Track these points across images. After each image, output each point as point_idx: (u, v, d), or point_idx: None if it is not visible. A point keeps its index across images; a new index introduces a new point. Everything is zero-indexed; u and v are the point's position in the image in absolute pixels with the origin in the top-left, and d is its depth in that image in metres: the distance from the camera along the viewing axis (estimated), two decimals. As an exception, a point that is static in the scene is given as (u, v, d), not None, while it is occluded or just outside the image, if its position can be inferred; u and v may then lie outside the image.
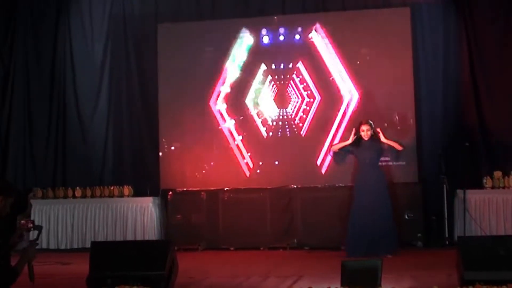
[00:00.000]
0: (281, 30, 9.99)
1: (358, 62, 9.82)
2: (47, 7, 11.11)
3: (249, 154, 10.01)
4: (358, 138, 8.47)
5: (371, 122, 8.49)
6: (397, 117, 9.58)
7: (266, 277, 6.79)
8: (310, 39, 9.90)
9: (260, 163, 9.96)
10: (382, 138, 8.40)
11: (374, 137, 8.44)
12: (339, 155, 8.85)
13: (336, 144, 8.96)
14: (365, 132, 8.37)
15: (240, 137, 10.04)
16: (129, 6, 10.89)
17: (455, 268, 5.71)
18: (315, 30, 9.89)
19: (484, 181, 9.23)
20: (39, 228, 5.19)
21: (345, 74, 9.80)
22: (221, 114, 10.14)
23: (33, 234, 5.26)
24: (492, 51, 9.75)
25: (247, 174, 9.99)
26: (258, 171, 9.98)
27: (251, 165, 9.98)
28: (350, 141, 8.49)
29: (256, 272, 7.23)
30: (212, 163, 10.07)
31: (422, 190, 9.52)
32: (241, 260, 8.65)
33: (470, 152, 9.36)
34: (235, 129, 10.07)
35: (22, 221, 5.17)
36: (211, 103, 10.18)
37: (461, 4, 9.86)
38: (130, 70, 10.84)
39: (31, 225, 5.15)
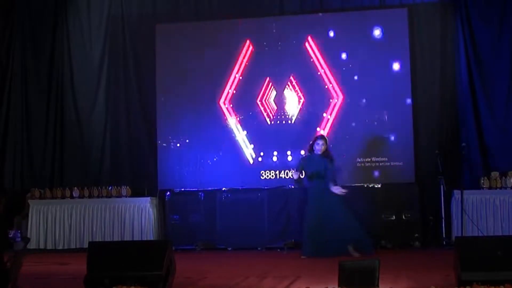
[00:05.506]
0: (279, 40, 10.14)
1: (356, 62, 9.86)
2: (45, 7, 11.10)
3: (252, 146, 10.12)
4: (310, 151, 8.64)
5: (326, 137, 8.73)
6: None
7: (264, 278, 6.78)
8: (305, 47, 10.00)
9: (261, 153, 10.07)
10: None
11: (325, 154, 8.54)
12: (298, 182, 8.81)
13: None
14: (320, 146, 8.51)
15: (245, 132, 10.14)
16: (128, 7, 10.90)
17: (452, 268, 5.72)
18: (310, 38, 10.00)
19: (481, 181, 9.25)
20: (26, 240, 5.16)
21: (338, 77, 9.90)
22: (223, 113, 10.20)
23: (20, 245, 5.22)
24: (489, 52, 9.78)
25: (251, 162, 10.11)
26: (259, 159, 10.07)
27: (253, 155, 10.08)
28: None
29: (253, 272, 7.22)
30: (214, 159, 10.14)
31: (419, 191, 9.55)
32: (238, 261, 8.65)
33: (467, 152, 9.38)
34: (240, 125, 10.17)
35: (10, 233, 5.14)
36: (210, 103, 10.21)
37: (458, 5, 9.88)
38: (128, 70, 10.84)
39: (18, 236, 5.10)
